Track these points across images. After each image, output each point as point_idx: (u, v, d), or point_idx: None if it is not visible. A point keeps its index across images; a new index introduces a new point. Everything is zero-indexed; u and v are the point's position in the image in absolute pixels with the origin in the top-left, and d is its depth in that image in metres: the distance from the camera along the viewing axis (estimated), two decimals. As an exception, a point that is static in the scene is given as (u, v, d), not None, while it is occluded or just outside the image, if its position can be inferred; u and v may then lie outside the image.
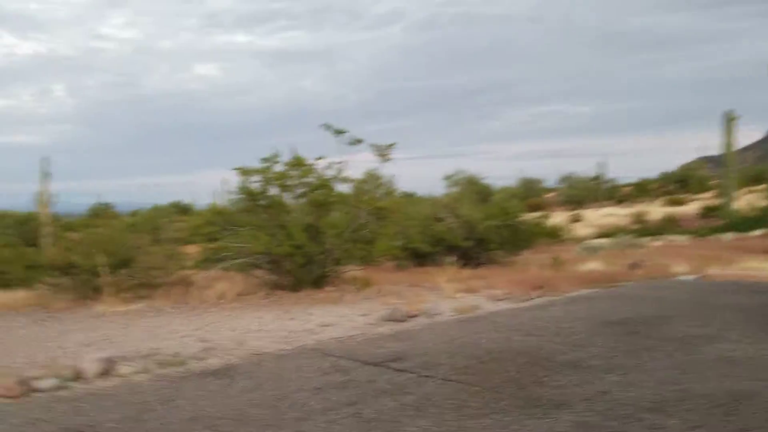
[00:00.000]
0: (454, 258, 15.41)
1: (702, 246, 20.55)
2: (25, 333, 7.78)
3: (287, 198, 10.36)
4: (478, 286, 10.85)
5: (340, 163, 10.67)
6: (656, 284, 10.65)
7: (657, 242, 23.39)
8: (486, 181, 47.98)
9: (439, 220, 16.02)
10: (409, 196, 26.36)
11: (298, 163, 10.35)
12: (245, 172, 10.05)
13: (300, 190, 10.38)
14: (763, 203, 31.18)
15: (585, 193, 65.80)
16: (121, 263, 9.88)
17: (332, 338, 6.95)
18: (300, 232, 9.78)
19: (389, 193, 10.81)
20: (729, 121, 37.15)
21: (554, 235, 24.95)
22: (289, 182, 10.09)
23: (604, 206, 59.89)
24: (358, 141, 10.47)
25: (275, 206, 10.18)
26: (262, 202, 10.15)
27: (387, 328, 7.50)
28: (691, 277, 11.36)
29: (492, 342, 6.49)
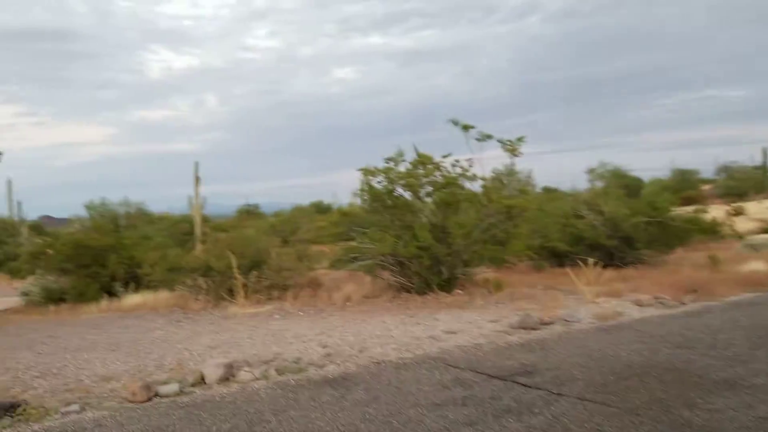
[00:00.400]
0: (595, 258, 14.44)
1: None
2: (161, 334, 8.09)
3: (414, 197, 10.06)
4: (622, 289, 9.97)
5: (468, 160, 10.21)
6: (837, 288, 9.21)
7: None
8: (634, 174, 45.20)
9: (580, 217, 15.04)
10: (549, 192, 25.24)
11: (422, 161, 10.03)
12: (368, 172, 9.88)
13: (426, 189, 10.04)
14: None
15: (747, 184, 60.05)
16: (253, 265, 10.08)
17: (457, 346, 6.54)
18: (426, 232, 9.45)
19: (522, 190, 10.12)
20: None
21: (712, 231, 22.71)
22: (413, 181, 9.77)
23: (771, 198, 54.38)
24: (488, 136, 9.97)
25: (400, 206, 9.93)
26: (387, 202, 9.93)
27: (517, 337, 6.97)
28: None
29: (635, 355, 5.78)
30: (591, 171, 37.90)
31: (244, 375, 5.59)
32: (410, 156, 10.35)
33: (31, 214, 34.17)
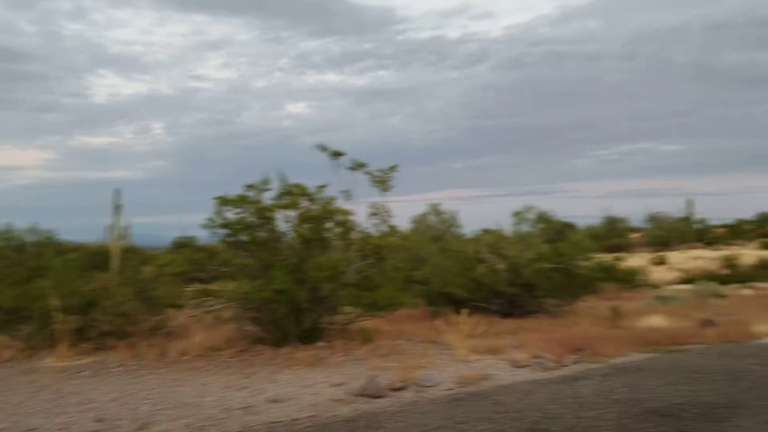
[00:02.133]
0: (497, 306, 13.46)
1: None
2: None
3: (273, 232, 8.80)
4: (505, 345, 8.90)
5: (345, 191, 9.06)
6: (731, 350, 8.36)
7: (745, 290, 20.39)
8: (565, 219, 45.35)
9: (482, 261, 14.08)
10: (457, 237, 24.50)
11: (289, 191, 8.83)
12: (224, 201, 8.57)
13: (292, 223, 8.81)
14: None
15: (672, 233, 61.53)
16: (83, 307, 8.58)
17: (266, 423, 5.24)
18: (284, 274, 8.18)
19: (392, 228, 9.00)
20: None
21: (627, 279, 22.28)
22: (268, 213, 8.53)
23: (693, 248, 55.60)
24: (360, 165, 8.86)
25: (259, 242, 8.65)
26: (242, 238, 8.65)
27: (352, 408, 5.72)
28: (781, 341, 8.98)
29: (472, 441, 4.62)
30: (516, 214, 37.53)
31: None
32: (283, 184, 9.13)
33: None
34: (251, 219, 8.70)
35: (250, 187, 8.81)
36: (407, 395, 6.23)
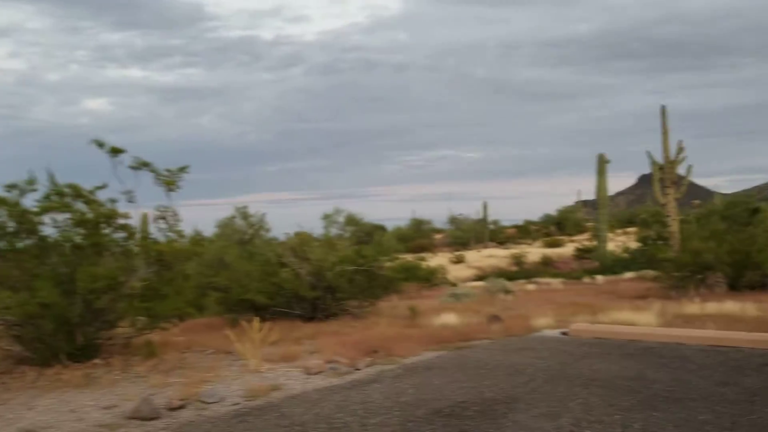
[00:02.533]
0: (300, 311, 13.24)
1: (574, 290, 19.53)
2: None
3: (43, 239, 7.75)
4: (300, 351, 8.66)
5: (127, 193, 8.22)
6: (514, 344, 8.86)
7: (531, 286, 22.27)
8: (376, 221, 46.62)
9: (284, 265, 13.76)
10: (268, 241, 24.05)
11: (60, 192, 7.82)
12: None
13: (57, 230, 7.81)
14: (634, 246, 31.26)
15: (469, 234, 66.01)
16: None
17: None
18: (51, 285, 7.20)
19: (177, 233, 8.35)
20: (602, 164, 37.58)
21: (428, 278, 23.30)
22: (35, 218, 7.50)
23: (487, 247, 60.10)
24: (144, 164, 8.11)
25: (18, 251, 7.56)
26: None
27: (119, 434, 5.10)
28: (555, 332, 9.71)
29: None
30: (326, 217, 37.77)
31: None
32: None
33: None
34: (10, 224, 7.57)
35: (10, 187, 7.67)
36: (186, 414, 5.72)
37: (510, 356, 7.83)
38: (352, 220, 41.10)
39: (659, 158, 25.40)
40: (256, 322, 8.07)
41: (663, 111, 26.22)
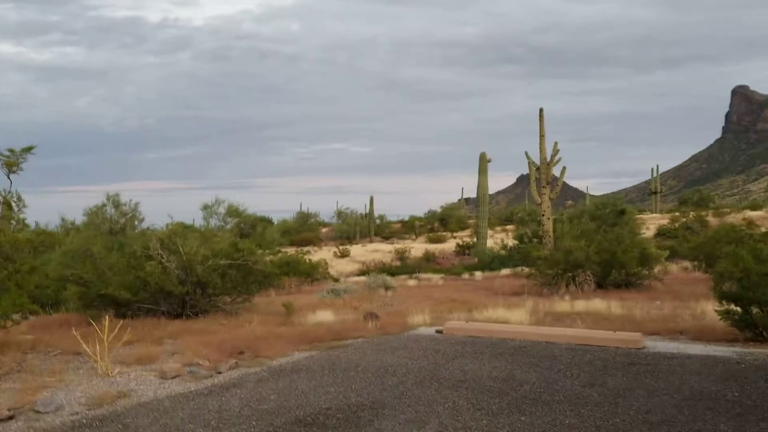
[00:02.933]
0: (167, 308, 12.37)
1: (453, 286, 19.74)
2: None
3: None
4: (159, 352, 7.97)
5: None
6: (388, 343, 8.62)
7: (412, 281, 22.35)
8: (262, 214, 45.50)
9: (150, 258, 12.81)
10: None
11: None
12: None
13: None
14: (511, 243, 32.30)
15: (355, 228, 66.06)
16: None
17: None
18: None
19: (22, 223, 7.43)
20: (483, 163, 38.64)
21: (309, 273, 22.80)
22: None
23: (373, 242, 60.41)
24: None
25: None
26: None
27: None
28: (431, 330, 9.58)
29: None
30: (206, 208, 36.31)
31: None
32: None
33: None
34: None
35: None
36: (15, 427, 4.98)
37: (382, 357, 7.55)
38: (234, 212, 39.77)
39: (536, 159, 26.38)
40: (105, 319, 7.30)
41: (541, 114, 27.20)
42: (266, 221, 48.05)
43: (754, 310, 7.90)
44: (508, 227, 52.57)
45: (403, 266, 30.53)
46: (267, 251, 23.44)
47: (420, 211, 77.85)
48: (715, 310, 8.30)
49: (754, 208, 62.57)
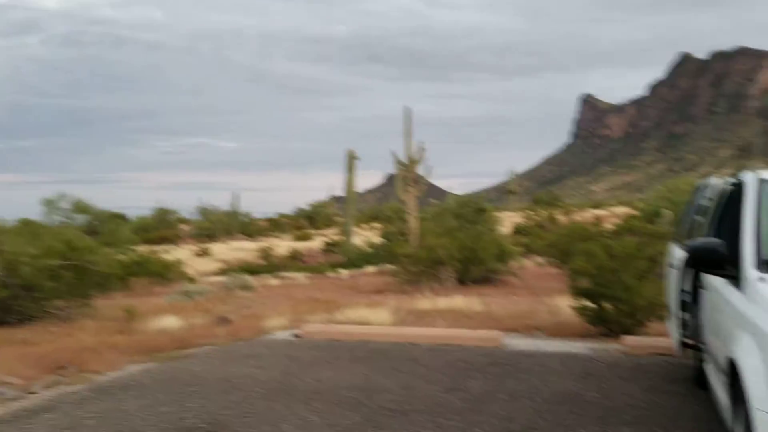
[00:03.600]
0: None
1: (317, 285, 19.20)
2: None
3: None
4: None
5: None
6: (239, 350, 7.87)
7: (274, 280, 21.53)
8: (117, 210, 42.36)
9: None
10: None
11: None
12: None
13: None
14: (377, 240, 32.33)
15: (219, 226, 63.62)
16: None
17: None
18: None
19: None
20: (351, 160, 38.42)
21: (161, 273, 21.26)
22: None
23: (237, 240, 58.46)
24: None
25: None
26: None
27: None
28: (287, 334, 8.92)
29: None
30: (48, 203, 33.03)
31: None
32: None
33: None
34: None
35: None
36: None
37: (229, 367, 6.82)
38: (82, 208, 36.65)
39: (403, 158, 26.45)
40: None
41: (407, 113, 27.31)
42: (119, 218, 44.85)
43: (606, 305, 7.99)
44: (376, 225, 52.87)
45: (267, 265, 29.52)
46: (117, 250, 21.68)
47: (289, 209, 76.63)
48: (570, 306, 8.33)
49: (596, 207, 67.68)
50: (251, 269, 28.10)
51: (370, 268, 25.09)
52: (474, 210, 31.98)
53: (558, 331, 8.47)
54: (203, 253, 42.31)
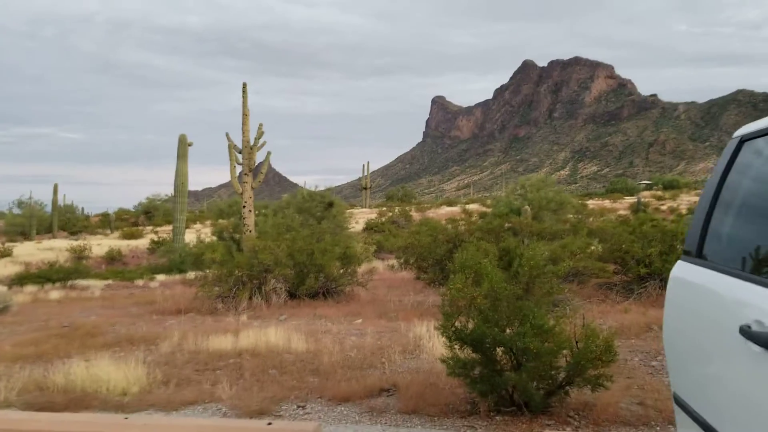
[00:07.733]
0: None
1: (109, 299, 14.66)
2: None
3: None
4: None
5: None
6: None
7: (58, 293, 16.67)
8: None
9: None
10: None
11: None
12: None
13: None
14: (209, 239, 27.95)
15: (33, 221, 55.24)
16: None
17: None
18: None
19: None
20: (183, 147, 33.37)
21: None
22: None
23: (56, 238, 50.87)
24: None
25: None
26: None
27: None
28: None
29: None
30: None
31: None
32: None
33: None
34: None
35: None
36: None
37: None
38: None
39: (239, 143, 22.21)
40: None
41: (244, 89, 23.21)
42: None
43: (500, 354, 4.74)
44: (222, 222, 47.83)
45: (58, 270, 23.64)
46: None
47: (133, 203, 69.33)
48: (443, 361, 4.90)
49: (450, 204, 67.10)
50: (48, 275, 22.59)
51: (192, 274, 20.77)
52: (321, 204, 28.52)
53: (420, 398, 5.06)
54: (3, 254, 35.40)
